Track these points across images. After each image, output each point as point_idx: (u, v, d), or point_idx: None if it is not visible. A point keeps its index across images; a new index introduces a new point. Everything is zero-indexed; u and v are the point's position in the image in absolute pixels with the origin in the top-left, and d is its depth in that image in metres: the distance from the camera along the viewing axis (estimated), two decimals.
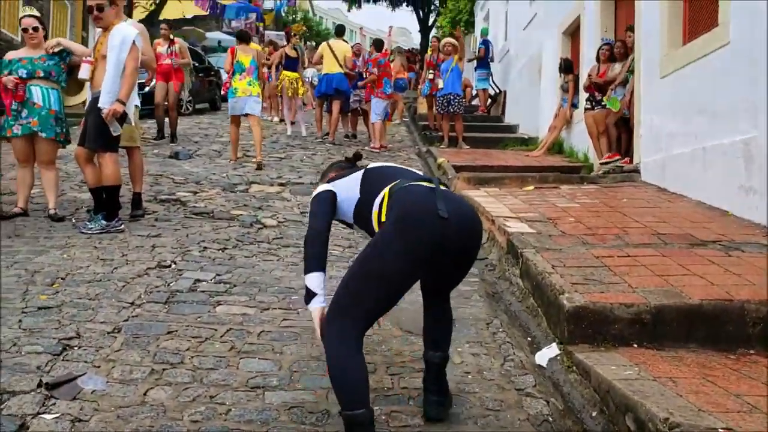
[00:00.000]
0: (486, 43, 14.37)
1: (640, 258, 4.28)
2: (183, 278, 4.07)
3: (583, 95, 9.24)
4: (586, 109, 8.75)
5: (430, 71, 12.03)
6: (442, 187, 2.52)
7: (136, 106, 5.56)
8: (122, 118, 4.87)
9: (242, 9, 28.36)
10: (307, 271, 2.48)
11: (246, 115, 8.56)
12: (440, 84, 10.91)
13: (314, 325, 2.47)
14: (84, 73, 4.93)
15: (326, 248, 2.55)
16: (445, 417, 2.63)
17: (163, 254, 4.47)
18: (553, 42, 11.27)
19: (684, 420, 2.34)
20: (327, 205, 2.62)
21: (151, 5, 28.47)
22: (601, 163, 8.29)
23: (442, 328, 2.74)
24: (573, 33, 10.74)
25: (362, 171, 2.71)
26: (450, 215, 2.33)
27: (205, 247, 4.72)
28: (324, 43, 11.51)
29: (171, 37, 10.65)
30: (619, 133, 8.30)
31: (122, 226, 4.96)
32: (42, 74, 5.30)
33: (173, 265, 4.29)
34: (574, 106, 10.15)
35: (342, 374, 2.27)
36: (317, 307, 2.45)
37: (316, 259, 2.49)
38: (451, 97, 11.06)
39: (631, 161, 7.98)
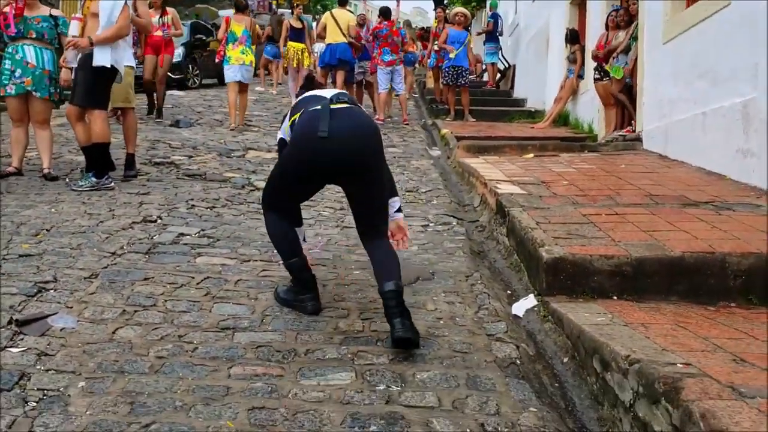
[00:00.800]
0: (495, 17, 14.19)
1: (628, 216, 4.23)
2: (167, 232, 4.09)
3: (592, 65, 9.11)
4: (595, 80, 8.63)
5: (436, 43, 11.92)
6: (344, 105, 2.88)
7: (131, 66, 5.56)
8: (112, 73, 4.86)
9: None
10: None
11: (239, 83, 8.96)
12: (452, 53, 10.76)
13: None
14: (73, 29, 4.93)
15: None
16: (414, 339, 2.65)
17: (149, 210, 4.49)
18: (561, 13, 11.12)
19: (645, 357, 2.32)
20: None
21: None
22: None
23: (389, 262, 2.90)
24: (580, 3, 10.58)
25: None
26: (333, 132, 2.73)
27: (193, 206, 4.73)
28: (327, 13, 11.42)
29: (163, 6, 9.48)
30: (623, 103, 8.18)
31: (112, 183, 4.98)
32: (34, 35, 5.31)
33: (159, 221, 4.31)
34: (580, 77, 10.02)
35: (277, 237, 3.08)
36: None
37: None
38: (461, 70, 10.97)
39: (633, 130, 7.88)
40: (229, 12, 27.21)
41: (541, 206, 4.53)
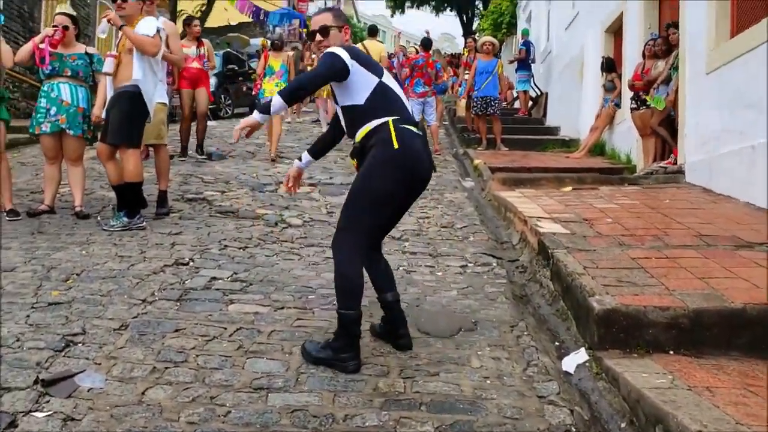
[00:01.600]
0: (527, 45, 14.06)
1: (679, 260, 4.01)
2: (199, 276, 3.97)
3: (628, 95, 8.90)
4: (632, 109, 8.42)
5: (467, 72, 11.82)
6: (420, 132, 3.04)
7: (163, 103, 5.52)
8: (145, 111, 4.81)
9: (285, 15, 28.53)
10: (283, 97, 2.89)
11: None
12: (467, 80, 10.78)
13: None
14: (108, 67, 4.90)
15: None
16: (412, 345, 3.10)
17: (181, 252, 4.39)
18: (596, 41, 10.94)
19: None
20: (333, 73, 2.92)
21: (196, 12, 29.01)
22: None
23: (387, 273, 3.19)
24: (616, 31, 10.40)
25: (376, 82, 2.95)
26: (430, 165, 3.04)
27: (226, 245, 4.62)
28: (359, 45, 11.42)
29: (199, 36, 9.11)
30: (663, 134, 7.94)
31: (144, 223, 4.91)
32: (69, 72, 5.31)
33: (191, 263, 4.20)
34: (617, 105, 9.81)
35: (351, 280, 2.88)
36: (258, 115, 2.97)
37: (296, 96, 3.02)
38: (490, 100, 10.85)
39: (675, 162, 7.64)
40: (258, 40, 27.44)
41: (587, 248, 4.33)
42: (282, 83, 9.32)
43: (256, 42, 28.55)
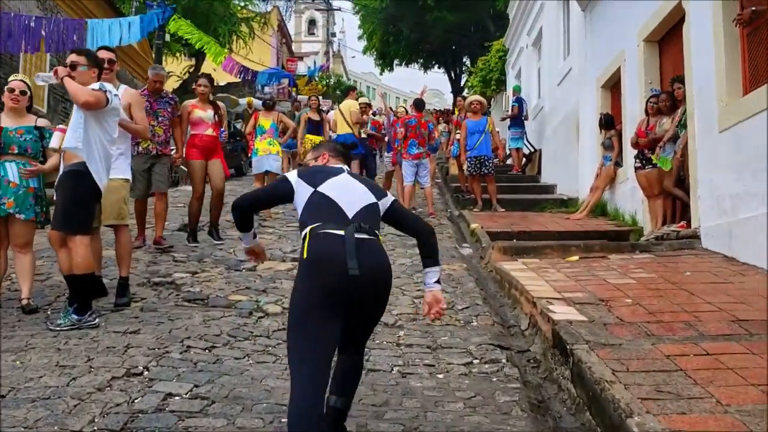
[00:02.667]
0: (519, 101, 13.69)
1: (722, 357, 3.40)
2: (152, 392, 3.30)
3: (631, 153, 8.42)
4: (636, 168, 7.92)
5: (458, 131, 11.38)
6: (361, 235, 2.62)
7: (124, 179, 4.95)
8: (92, 193, 4.20)
9: (274, 75, 28.31)
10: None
11: (267, 172, 9.38)
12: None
13: None
14: (54, 142, 4.34)
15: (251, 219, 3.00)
16: None
17: (136, 358, 3.72)
18: (591, 97, 10.55)
19: None
20: (277, 194, 2.94)
21: (184, 73, 28.81)
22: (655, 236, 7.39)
23: (351, 378, 2.90)
24: (612, 86, 10.01)
25: (310, 192, 2.79)
26: (362, 271, 2.52)
27: (189, 347, 3.96)
28: (336, 107, 11.22)
29: (211, 99, 7.70)
30: (673, 196, 7.42)
31: (96, 320, 4.24)
32: (16, 150, 4.73)
33: (145, 373, 3.54)
34: (617, 164, 9.32)
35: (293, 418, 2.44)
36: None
37: (243, 225, 2.97)
38: (483, 159, 10.38)
39: (688, 225, 7.09)
40: (244, 100, 27.30)
41: (611, 341, 3.71)
42: (274, 141, 9.59)
43: (244, 102, 28.39)
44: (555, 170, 12.59)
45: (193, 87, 8.05)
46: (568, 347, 3.68)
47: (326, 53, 53.84)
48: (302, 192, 2.79)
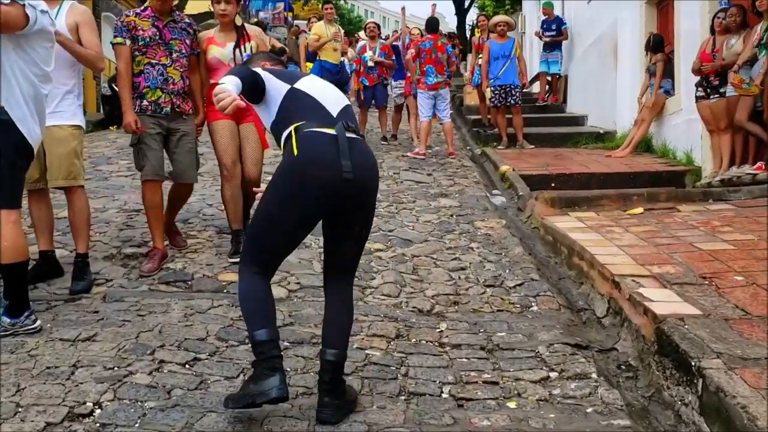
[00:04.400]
0: (559, 22, 11.83)
1: None
2: None
3: (686, 80, 7.18)
4: (698, 98, 6.69)
5: (479, 55, 10.04)
6: (349, 135, 2.50)
7: (76, 126, 3.77)
8: (21, 149, 3.01)
9: None
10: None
11: None
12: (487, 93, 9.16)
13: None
14: None
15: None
16: (337, 419, 2.44)
17: (85, 386, 2.63)
18: (634, 15, 9.17)
19: None
20: (250, 77, 2.53)
21: None
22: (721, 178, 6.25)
23: (343, 321, 2.62)
24: (661, 1, 8.63)
25: (287, 89, 2.59)
26: (354, 174, 2.41)
27: (161, 362, 2.87)
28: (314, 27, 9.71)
29: (241, 24, 4.57)
30: (746, 131, 6.23)
31: (37, 323, 3.12)
32: None
33: (95, 413, 2.47)
34: (667, 92, 8.07)
35: (252, 304, 2.48)
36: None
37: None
38: (510, 88, 9.11)
39: (765, 167, 5.94)
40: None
41: (751, 352, 2.63)
42: None
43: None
44: (585, 99, 11.28)
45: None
46: (693, 363, 2.60)
47: None
48: (275, 88, 2.59)
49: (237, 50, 4.34)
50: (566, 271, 4.39)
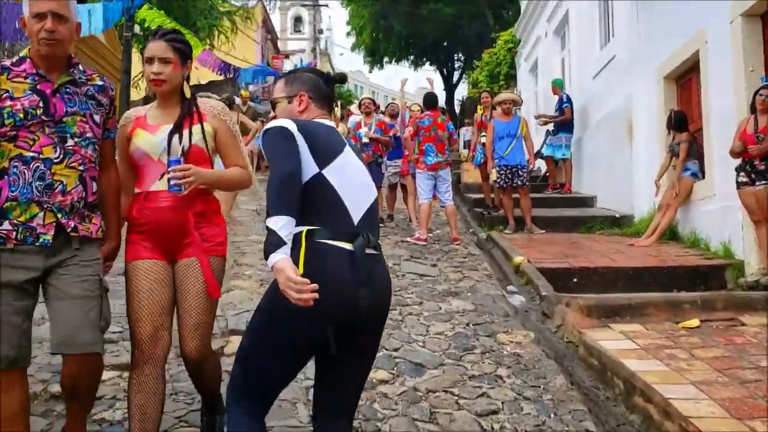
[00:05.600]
0: (569, 100, 10.72)
1: None
2: None
3: (725, 162, 6.39)
4: (740, 184, 5.88)
5: (483, 134, 9.29)
6: (373, 252, 2.14)
7: None
8: None
9: (258, 72, 26.21)
10: (270, 214, 1.95)
11: None
12: (493, 174, 8.35)
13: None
14: None
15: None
16: None
17: None
18: (650, 90, 8.50)
19: None
20: (293, 143, 2.06)
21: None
22: None
23: None
24: (682, 76, 7.96)
25: (314, 173, 2.08)
26: (372, 302, 2.05)
27: None
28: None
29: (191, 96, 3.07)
30: None
31: None
32: None
33: None
34: (694, 176, 7.28)
35: None
36: (282, 257, 1.91)
37: (285, 199, 1.97)
38: (516, 168, 8.32)
39: None
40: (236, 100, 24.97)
41: None
42: None
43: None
44: (592, 179, 10.51)
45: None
46: None
47: (313, 50, 51.66)
48: (305, 165, 2.07)
49: (175, 138, 2.62)
50: (625, 413, 3.40)
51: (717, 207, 6.76)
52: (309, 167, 2.07)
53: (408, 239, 7.68)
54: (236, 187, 2.89)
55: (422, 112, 8.39)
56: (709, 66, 6.97)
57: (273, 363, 2.08)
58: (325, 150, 2.11)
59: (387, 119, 8.97)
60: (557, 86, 10.82)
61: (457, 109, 29.24)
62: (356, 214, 2.12)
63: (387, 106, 9.54)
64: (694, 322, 4.44)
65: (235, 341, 4.11)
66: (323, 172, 2.09)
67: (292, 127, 2.08)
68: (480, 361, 4.02)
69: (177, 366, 3.73)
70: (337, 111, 8.65)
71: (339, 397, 2.20)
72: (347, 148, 2.22)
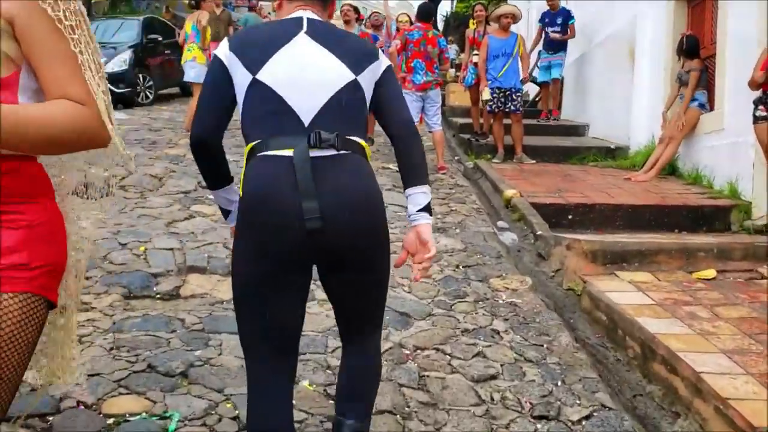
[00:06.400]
0: (566, 15, 9.59)
1: None
2: None
3: (739, 94, 5.84)
4: (757, 119, 5.36)
5: (475, 52, 8.56)
6: (321, 153, 1.69)
7: None
8: None
9: None
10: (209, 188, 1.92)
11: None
12: (485, 94, 7.65)
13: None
14: None
15: (220, 160, 1.87)
16: None
17: None
18: (658, 12, 7.81)
19: None
20: (219, 93, 1.79)
21: None
22: None
23: (362, 385, 1.96)
24: None
25: (248, 80, 1.74)
26: (326, 217, 1.64)
27: None
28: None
29: None
30: None
31: None
32: None
33: None
34: (701, 107, 6.74)
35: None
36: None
37: (204, 171, 1.88)
38: (510, 92, 7.67)
39: None
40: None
41: None
42: (193, 46, 8.09)
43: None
44: (587, 106, 9.91)
45: None
46: None
47: None
48: (240, 80, 1.76)
49: None
50: (642, 382, 2.96)
51: (725, 143, 6.25)
52: (244, 79, 1.75)
53: (390, 166, 7.09)
54: (61, 143, 1.30)
55: (411, 24, 7.63)
56: None
57: (251, 325, 1.78)
58: (263, 51, 1.76)
59: (370, 31, 8.19)
60: None
61: (441, 25, 28.06)
62: (308, 113, 1.74)
63: (370, 16, 8.73)
64: (710, 272, 4.00)
65: (194, 281, 3.56)
66: (257, 76, 1.74)
67: (221, 52, 1.79)
68: (473, 311, 3.54)
69: (122, 312, 3.18)
70: None
71: (349, 325, 1.94)
72: (297, 39, 1.78)
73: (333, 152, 1.70)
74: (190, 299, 3.39)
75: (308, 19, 1.81)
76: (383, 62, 1.86)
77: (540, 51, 9.92)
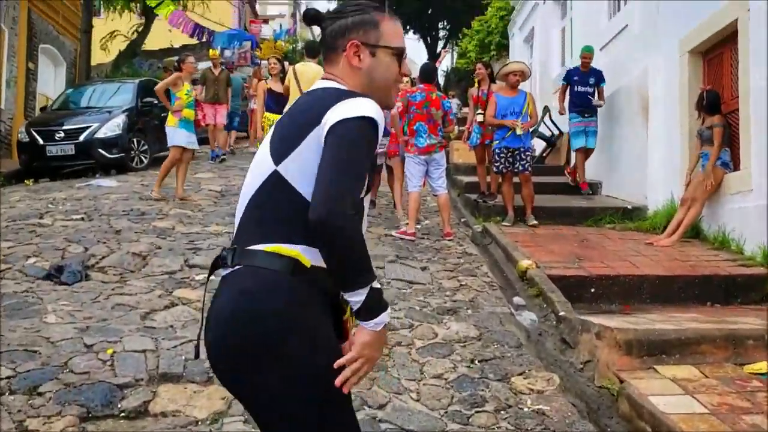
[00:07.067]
0: (598, 75, 8.70)
1: None
2: None
3: (759, 151, 5.41)
4: None
5: (479, 111, 8.19)
6: (226, 271, 1.63)
7: None
8: None
9: (234, 37, 24.82)
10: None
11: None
12: (518, 129, 7.14)
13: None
14: None
15: None
16: None
17: None
18: (670, 65, 7.46)
19: None
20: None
21: (132, 33, 24.81)
22: None
23: None
24: (711, 50, 6.92)
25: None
26: (206, 342, 1.62)
27: None
28: (290, 68, 7.89)
29: None
30: None
31: None
32: None
33: None
34: (725, 166, 6.30)
35: None
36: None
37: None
38: (519, 151, 7.26)
39: None
40: (202, 64, 23.61)
41: None
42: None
43: (205, 66, 24.49)
44: (597, 164, 9.49)
45: None
46: None
47: (293, 15, 49.85)
48: None
49: None
50: None
51: (754, 205, 5.79)
52: None
53: (393, 233, 6.64)
54: None
55: (413, 85, 7.29)
56: (751, 37, 5.94)
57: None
58: None
59: None
60: (588, 54, 8.68)
61: (442, 81, 28.15)
62: (237, 224, 1.68)
63: None
64: (763, 366, 3.47)
65: (165, 394, 3.05)
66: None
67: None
68: (495, 425, 3.01)
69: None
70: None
71: None
72: (273, 128, 1.69)
73: (230, 269, 1.60)
74: (161, 418, 2.87)
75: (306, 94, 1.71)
76: (331, 119, 1.52)
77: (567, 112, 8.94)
